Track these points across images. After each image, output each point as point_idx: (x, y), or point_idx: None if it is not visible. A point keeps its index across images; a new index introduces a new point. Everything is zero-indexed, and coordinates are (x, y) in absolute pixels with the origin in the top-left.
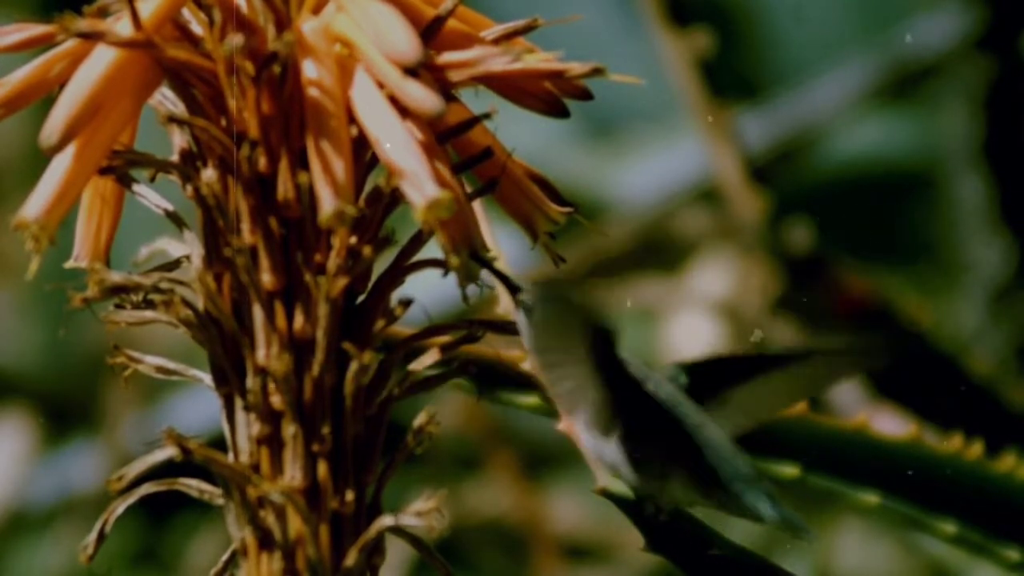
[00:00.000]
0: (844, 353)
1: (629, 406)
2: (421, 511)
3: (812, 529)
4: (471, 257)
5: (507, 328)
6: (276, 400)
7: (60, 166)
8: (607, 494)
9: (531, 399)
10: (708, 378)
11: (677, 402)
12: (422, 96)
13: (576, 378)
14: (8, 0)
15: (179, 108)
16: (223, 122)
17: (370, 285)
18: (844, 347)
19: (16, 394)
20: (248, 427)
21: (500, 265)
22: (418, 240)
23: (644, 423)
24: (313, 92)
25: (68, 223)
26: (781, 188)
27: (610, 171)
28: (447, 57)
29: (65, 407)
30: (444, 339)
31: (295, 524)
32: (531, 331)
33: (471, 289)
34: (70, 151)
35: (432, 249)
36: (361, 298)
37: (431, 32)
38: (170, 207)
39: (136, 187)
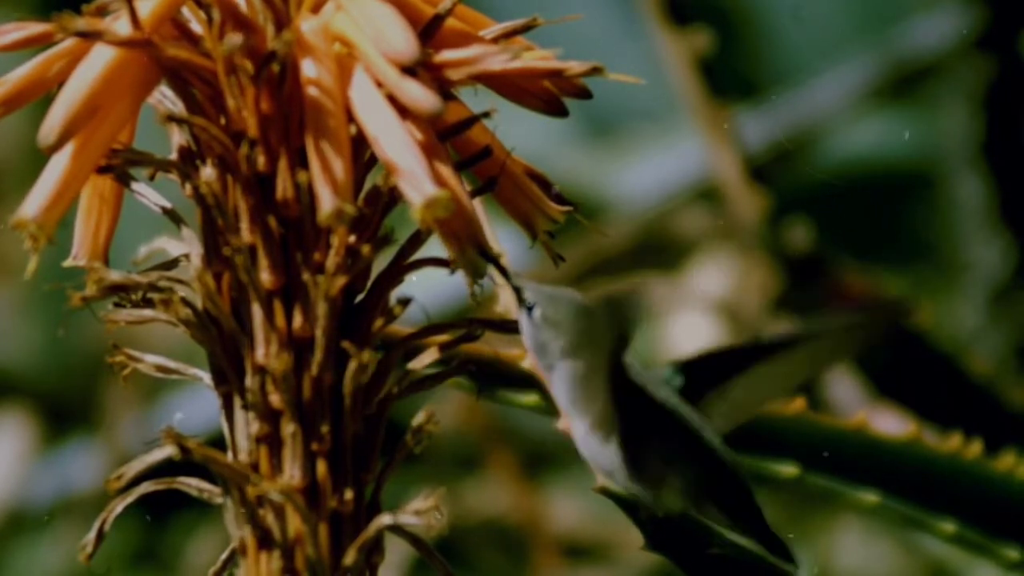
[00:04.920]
0: (836, 335)
1: (631, 411)
2: (420, 510)
3: (800, 550)
4: (477, 254)
5: (507, 327)
6: (275, 399)
7: (58, 165)
8: (607, 493)
9: (531, 398)
10: (705, 374)
11: (675, 407)
12: (420, 95)
13: (591, 382)
14: None
15: (178, 107)
16: (222, 121)
17: (369, 284)
18: (836, 329)
19: (16, 394)
20: (247, 426)
21: (504, 262)
22: (417, 239)
23: (644, 429)
24: (312, 91)
25: (67, 222)
26: (781, 188)
27: (610, 171)
28: (445, 56)
29: (65, 407)
30: (443, 338)
31: (294, 523)
32: (563, 339)
33: (477, 286)
34: (68, 150)
35: (431, 248)
36: (360, 297)
37: (430, 31)
38: (169, 206)
39: (135, 186)
